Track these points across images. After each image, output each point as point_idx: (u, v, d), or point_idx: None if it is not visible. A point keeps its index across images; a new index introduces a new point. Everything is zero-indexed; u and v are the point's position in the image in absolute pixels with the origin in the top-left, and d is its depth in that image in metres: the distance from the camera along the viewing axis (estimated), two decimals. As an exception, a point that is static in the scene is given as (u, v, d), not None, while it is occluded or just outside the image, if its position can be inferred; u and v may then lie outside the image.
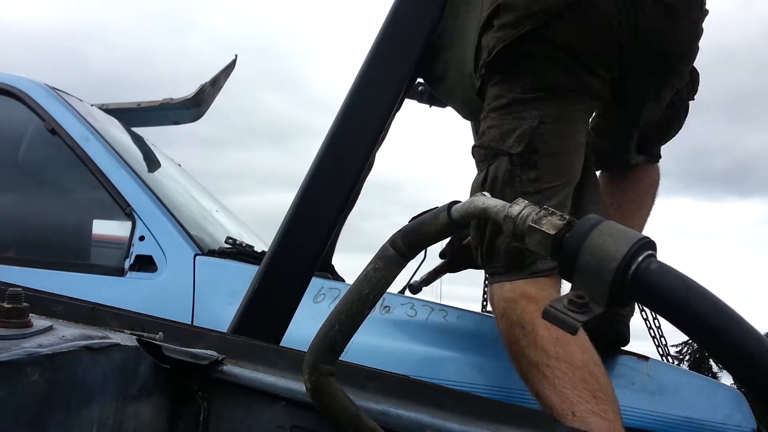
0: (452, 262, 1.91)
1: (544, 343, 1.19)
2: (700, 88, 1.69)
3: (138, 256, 1.63)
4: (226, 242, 1.79)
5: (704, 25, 1.54)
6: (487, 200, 0.70)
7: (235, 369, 0.80)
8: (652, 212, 1.81)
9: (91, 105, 2.23)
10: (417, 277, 2.13)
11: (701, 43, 1.55)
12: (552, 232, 0.62)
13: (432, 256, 2.29)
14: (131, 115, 2.65)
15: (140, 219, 1.67)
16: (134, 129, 2.45)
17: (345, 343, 0.71)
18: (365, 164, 1.21)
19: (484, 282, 2.14)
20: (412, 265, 2.31)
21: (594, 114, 1.58)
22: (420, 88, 2.09)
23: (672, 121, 1.72)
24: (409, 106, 2.03)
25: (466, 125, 2.03)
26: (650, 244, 0.59)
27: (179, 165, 2.62)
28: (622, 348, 1.42)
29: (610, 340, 1.61)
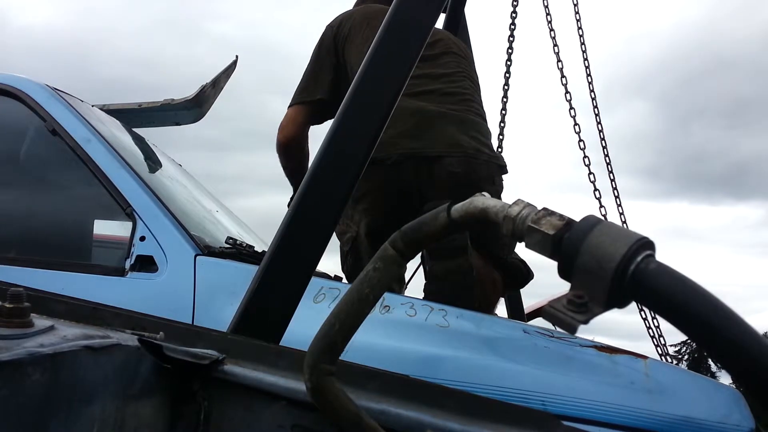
0: None
1: None
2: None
3: (139, 257, 1.63)
4: (226, 242, 1.79)
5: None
6: (487, 200, 0.70)
7: (236, 368, 0.80)
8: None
9: (92, 105, 2.23)
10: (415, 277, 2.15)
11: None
12: (551, 232, 0.63)
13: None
14: (132, 116, 2.65)
15: (141, 219, 1.67)
16: (135, 129, 2.45)
17: (345, 343, 0.71)
18: (365, 164, 1.21)
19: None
20: (411, 265, 2.33)
21: None
22: None
23: None
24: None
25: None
26: (649, 245, 0.59)
27: (180, 165, 2.62)
28: (620, 348, 1.42)
29: (519, 279, 2.14)
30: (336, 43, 2.17)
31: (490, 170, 2.02)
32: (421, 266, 2.36)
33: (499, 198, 2.02)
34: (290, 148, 2.20)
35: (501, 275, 2.08)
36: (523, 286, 2.26)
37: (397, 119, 1.87)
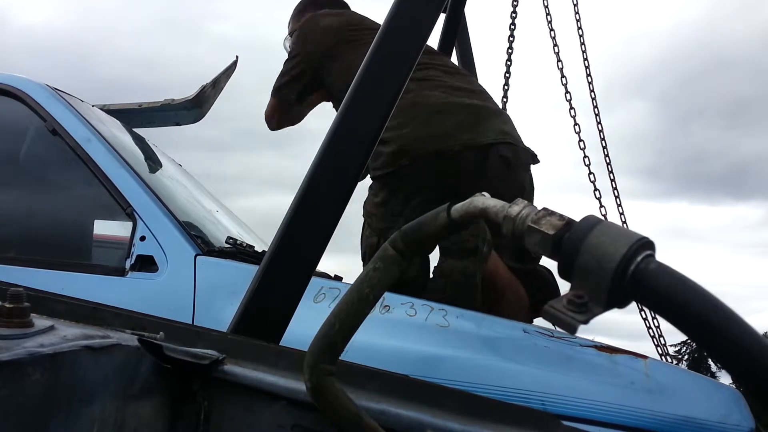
0: None
1: None
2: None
3: (139, 256, 1.63)
4: (226, 242, 1.79)
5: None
6: (487, 200, 0.70)
7: (236, 368, 0.80)
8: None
9: (92, 105, 2.23)
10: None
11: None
12: (551, 232, 0.62)
13: (431, 256, 2.30)
14: (132, 116, 2.65)
15: (141, 219, 1.67)
16: (135, 130, 2.45)
17: (345, 342, 0.71)
18: (364, 164, 1.21)
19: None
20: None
21: None
22: None
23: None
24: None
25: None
26: (649, 244, 0.59)
27: (180, 165, 2.63)
28: (620, 348, 1.42)
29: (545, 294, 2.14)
30: (307, 55, 2.25)
31: (527, 158, 2.14)
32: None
33: (533, 185, 2.16)
34: (281, 128, 2.47)
35: (527, 291, 2.12)
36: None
37: (449, 113, 2.01)
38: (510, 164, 2.03)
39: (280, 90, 2.33)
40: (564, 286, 0.63)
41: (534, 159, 2.19)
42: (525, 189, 2.11)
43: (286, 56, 2.36)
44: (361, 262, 2.16)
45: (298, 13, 2.56)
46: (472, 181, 1.97)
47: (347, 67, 2.12)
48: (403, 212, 2.02)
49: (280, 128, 2.46)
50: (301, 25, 2.37)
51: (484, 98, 2.16)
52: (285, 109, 2.38)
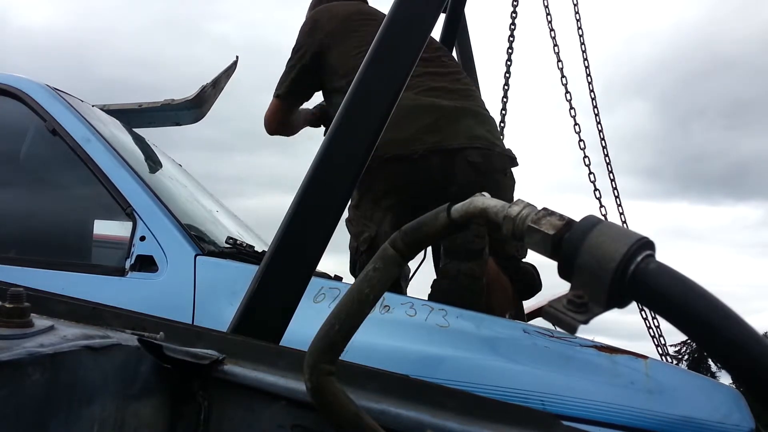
0: None
1: None
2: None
3: (139, 256, 1.63)
4: (226, 242, 1.79)
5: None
6: (487, 200, 0.70)
7: (236, 368, 0.80)
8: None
9: (92, 105, 2.23)
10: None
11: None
12: (551, 232, 0.62)
13: (431, 256, 2.30)
14: (132, 116, 2.65)
15: (141, 219, 1.67)
16: (135, 130, 2.45)
17: (345, 342, 0.71)
18: (365, 164, 1.21)
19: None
20: (411, 264, 2.33)
21: None
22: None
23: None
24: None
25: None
26: (649, 244, 0.59)
27: (180, 165, 2.63)
28: (620, 348, 1.43)
29: (529, 289, 2.19)
30: (313, 42, 2.21)
31: (504, 162, 2.09)
32: (426, 265, 2.38)
33: (513, 190, 2.12)
34: (278, 134, 2.46)
35: (512, 283, 2.12)
36: (531, 296, 2.29)
37: (416, 116, 1.97)
38: (480, 170, 1.97)
39: (281, 87, 2.28)
40: (564, 286, 0.63)
41: (513, 162, 2.14)
42: (503, 194, 2.03)
43: (285, 56, 2.34)
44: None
45: (314, 5, 2.50)
46: (441, 186, 1.95)
47: (346, 52, 2.10)
48: (373, 216, 2.01)
49: (276, 133, 2.43)
50: (311, 15, 2.33)
51: (459, 97, 2.09)
52: (286, 111, 2.34)
